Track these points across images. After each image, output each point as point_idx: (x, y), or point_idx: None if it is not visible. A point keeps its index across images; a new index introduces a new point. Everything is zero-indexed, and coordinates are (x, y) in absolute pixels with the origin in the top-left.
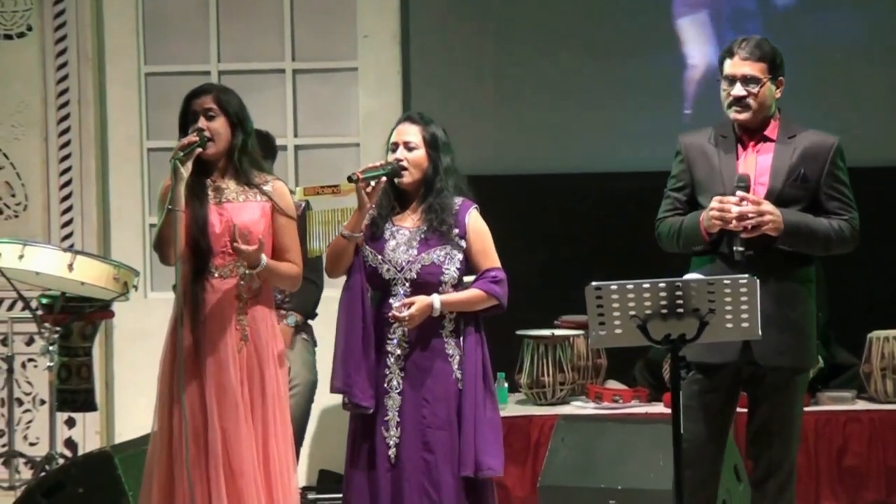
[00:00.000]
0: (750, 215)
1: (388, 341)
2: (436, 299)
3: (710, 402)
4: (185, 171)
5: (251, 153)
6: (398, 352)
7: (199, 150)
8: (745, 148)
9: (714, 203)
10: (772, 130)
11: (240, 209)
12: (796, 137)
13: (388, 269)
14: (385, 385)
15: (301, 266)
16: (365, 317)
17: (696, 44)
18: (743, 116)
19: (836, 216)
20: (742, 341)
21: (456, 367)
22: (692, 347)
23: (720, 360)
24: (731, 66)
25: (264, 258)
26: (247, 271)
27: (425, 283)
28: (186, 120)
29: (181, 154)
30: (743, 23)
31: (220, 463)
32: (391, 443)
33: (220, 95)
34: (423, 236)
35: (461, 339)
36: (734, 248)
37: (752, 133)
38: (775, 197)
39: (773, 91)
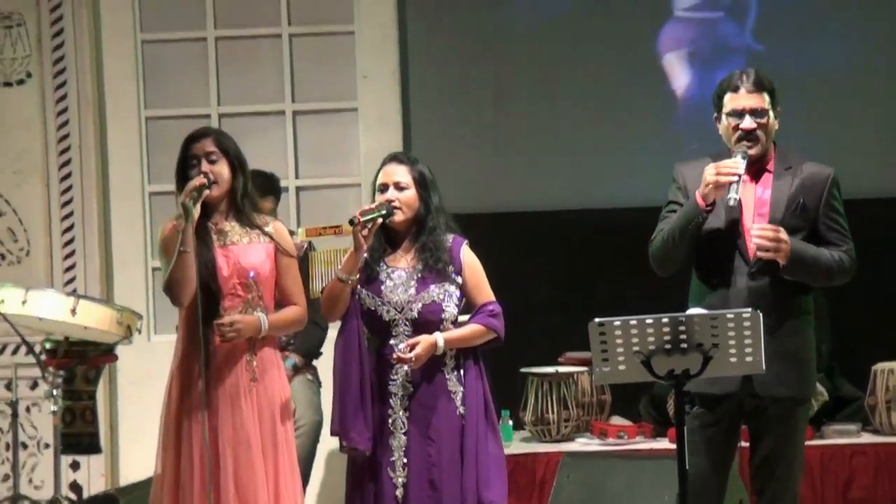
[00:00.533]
0: (768, 242)
1: (391, 382)
2: (439, 337)
3: (713, 436)
4: (196, 212)
5: (251, 195)
6: (401, 392)
7: (207, 191)
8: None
9: (710, 166)
10: (767, 161)
11: (245, 251)
12: (793, 168)
13: (388, 311)
14: (389, 426)
15: (304, 305)
16: (361, 360)
17: (683, 78)
18: (755, 150)
19: (835, 247)
20: None
21: (459, 402)
22: (694, 380)
23: (720, 391)
24: (737, 100)
25: (264, 321)
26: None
27: (426, 321)
28: (186, 164)
29: (196, 195)
30: (727, 56)
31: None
32: (398, 483)
33: (220, 138)
34: (420, 275)
35: (462, 373)
36: (728, 197)
37: (750, 165)
38: None
39: (774, 122)
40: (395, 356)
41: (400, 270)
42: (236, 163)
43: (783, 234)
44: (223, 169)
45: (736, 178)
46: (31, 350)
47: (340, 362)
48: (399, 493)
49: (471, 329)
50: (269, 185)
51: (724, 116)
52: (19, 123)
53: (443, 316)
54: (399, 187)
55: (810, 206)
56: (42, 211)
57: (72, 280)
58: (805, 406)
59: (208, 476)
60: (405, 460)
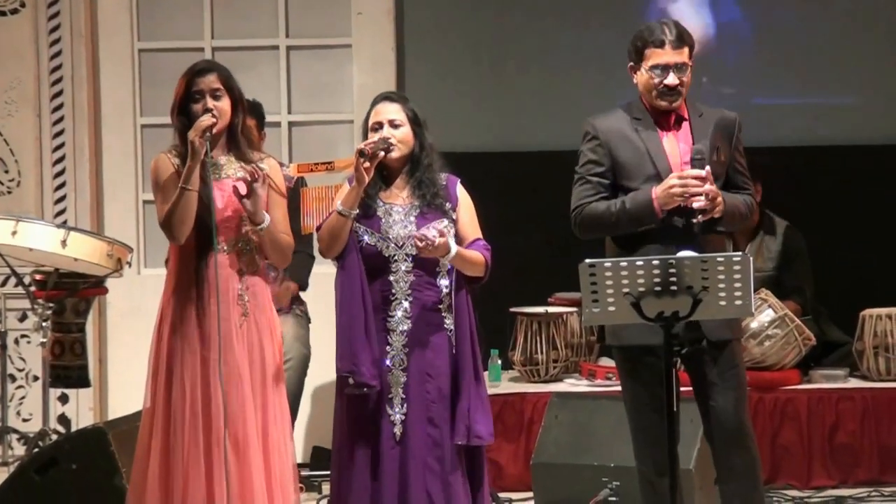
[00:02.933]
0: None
1: (389, 319)
2: (453, 246)
3: (650, 387)
4: (203, 151)
5: (246, 130)
6: (401, 328)
7: (211, 133)
8: (662, 129)
9: (674, 180)
10: (682, 109)
11: (241, 185)
12: (704, 115)
13: (388, 246)
14: (388, 362)
15: (292, 241)
16: (364, 296)
17: (686, 16)
18: (676, 105)
19: (743, 191)
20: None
21: (453, 340)
22: (630, 330)
23: (644, 342)
24: (661, 56)
25: (267, 216)
26: (250, 228)
27: (427, 257)
28: (189, 97)
29: (209, 135)
30: None
31: (222, 439)
32: (396, 420)
33: (225, 74)
34: (418, 211)
35: (454, 312)
36: (693, 220)
37: (666, 113)
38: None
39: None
40: (415, 234)
41: (397, 206)
42: (237, 99)
43: (718, 193)
44: (226, 105)
45: (703, 194)
46: (20, 281)
47: (345, 299)
48: (398, 430)
49: (473, 253)
50: (255, 114)
51: (643, 69)
52: (11, 53)
53: None
54: (394, 125)
55: (723, 150)
56: (33, 142)
57: (62, 212)
58: (738, 341)
59: (223, 410)
60: (404, 396)
